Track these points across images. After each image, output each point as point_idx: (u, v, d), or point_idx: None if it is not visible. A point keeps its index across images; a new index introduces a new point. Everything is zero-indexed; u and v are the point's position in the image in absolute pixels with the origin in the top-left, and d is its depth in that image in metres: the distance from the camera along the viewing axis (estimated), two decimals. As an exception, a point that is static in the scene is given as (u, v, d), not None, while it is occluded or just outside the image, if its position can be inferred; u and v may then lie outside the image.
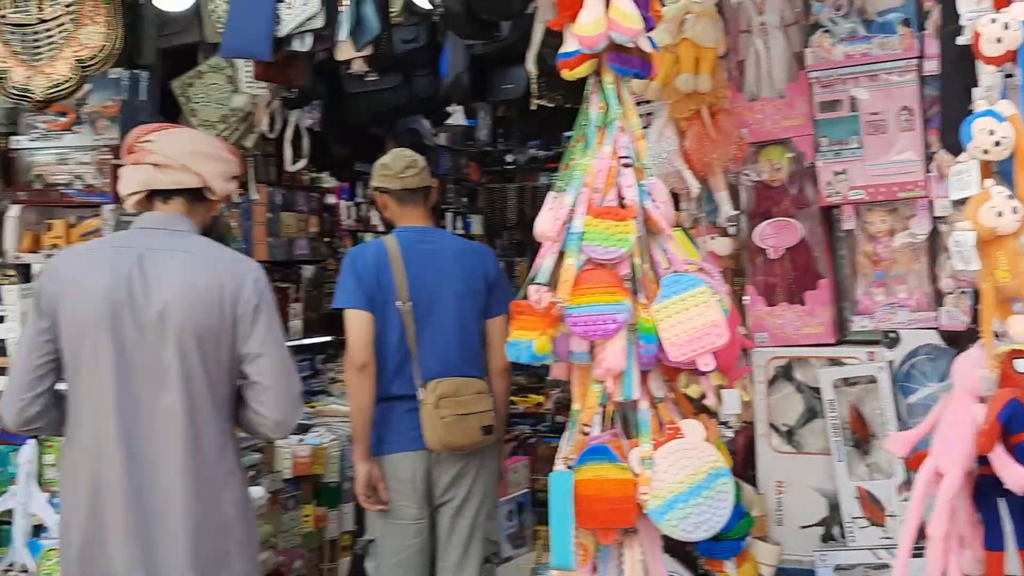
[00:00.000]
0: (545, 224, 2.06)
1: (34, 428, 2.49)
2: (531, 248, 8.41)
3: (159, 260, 2.40)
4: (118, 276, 2.37)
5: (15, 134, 3.73)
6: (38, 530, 3.65)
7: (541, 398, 6.22)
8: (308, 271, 5.90)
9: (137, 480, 2.35)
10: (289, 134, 3.92)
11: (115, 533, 2.36)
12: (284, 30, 2.64)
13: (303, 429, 4.26)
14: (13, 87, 2.87)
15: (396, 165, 3.37)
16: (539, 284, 2.01)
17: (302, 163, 4.04)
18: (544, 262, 2.04)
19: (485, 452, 3.32)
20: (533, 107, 3.09)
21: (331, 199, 6.29)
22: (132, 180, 2.49)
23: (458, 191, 8.07)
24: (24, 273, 3.79)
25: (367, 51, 2.68)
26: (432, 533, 3.32)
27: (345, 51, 2.68)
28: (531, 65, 2.91)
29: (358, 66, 2.83)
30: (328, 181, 6.18)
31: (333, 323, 6.05)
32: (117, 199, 3.54)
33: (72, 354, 2.41)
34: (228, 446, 2.47)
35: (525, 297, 2.02)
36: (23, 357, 2.43)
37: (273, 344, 2.43)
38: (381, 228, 6.95)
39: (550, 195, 2.09)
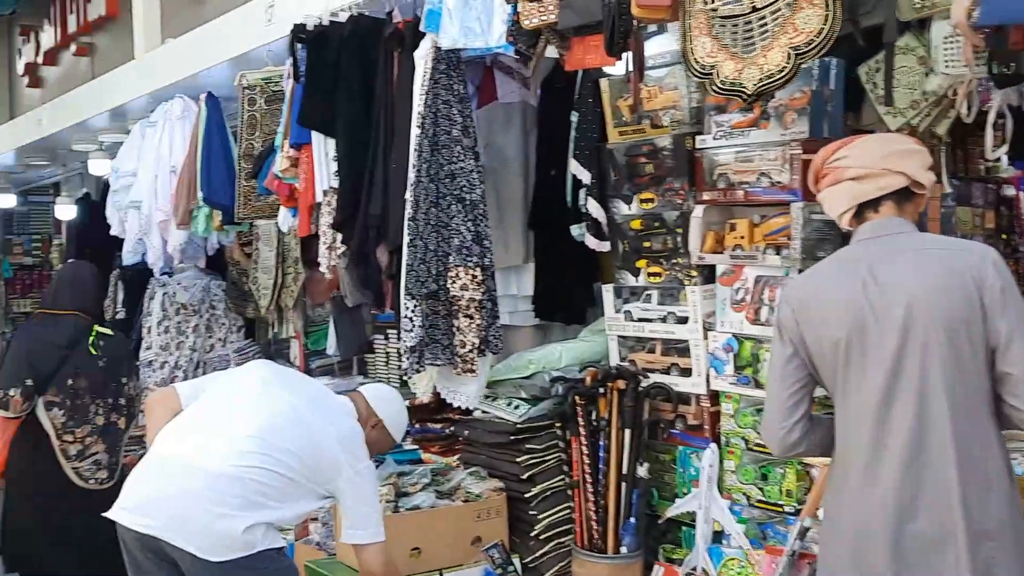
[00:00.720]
0: None
1: (798, 452, 2.56)
2: None
3: (889, 265, 2.38)
4: (853, 290, 2.38)
5: (700, 133, 3.71)
6: (718, 536, 3.60)
7: None
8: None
9: (910, 489, 2.30)
10: (991, 117, 3.42)
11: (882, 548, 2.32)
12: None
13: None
14: (723, 81, 2.77)
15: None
16: None
17: (1004, 148, 3.53)
18: None
19: None
20: None
21: (1009, 190, 5.56)
22: (839, 200, 2.51)
23: None
24: (707, 274, 3.76)
25: None
26: None
27: None
28: None
29: None
30: (1006, 170, 5.46)
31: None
32: (806, 196, 3.37)
33: (828, 375, 2.43)
34: (992, 443, 2.33)
35: None
36: (775, 387, 2.52)
37: None
38: (1069, 223, 6.01)
39: None
